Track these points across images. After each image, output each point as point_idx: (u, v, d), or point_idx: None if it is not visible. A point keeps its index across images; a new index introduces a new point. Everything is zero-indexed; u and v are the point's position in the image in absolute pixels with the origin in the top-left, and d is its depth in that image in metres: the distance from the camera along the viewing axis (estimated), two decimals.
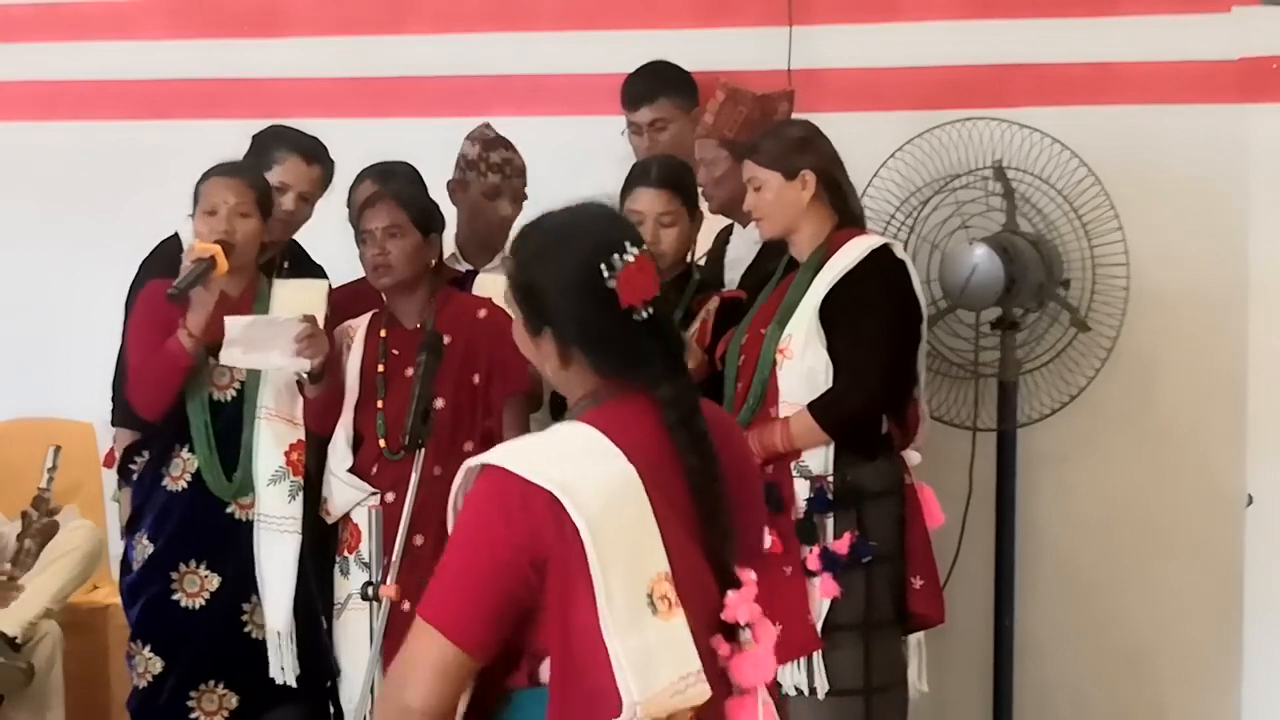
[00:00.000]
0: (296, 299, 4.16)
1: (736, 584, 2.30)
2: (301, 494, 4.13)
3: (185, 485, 4.12)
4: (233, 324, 4.03)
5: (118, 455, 4.32)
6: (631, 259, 2.27)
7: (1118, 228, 4.54)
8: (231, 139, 4.57)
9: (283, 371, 4.10)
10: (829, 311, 3.82)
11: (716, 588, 2.29)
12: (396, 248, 4.09)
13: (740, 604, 2.29)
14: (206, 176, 4.12)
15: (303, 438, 4.15)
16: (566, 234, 2.33)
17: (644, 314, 2.27)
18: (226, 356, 4.05)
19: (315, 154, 4.42)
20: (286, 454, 4.13)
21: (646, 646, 2.19)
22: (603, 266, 2.26)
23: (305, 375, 4.09)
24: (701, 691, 2.22)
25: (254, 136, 4.48)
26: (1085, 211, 4.56)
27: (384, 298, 4.23)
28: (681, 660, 2.21)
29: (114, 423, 4.38)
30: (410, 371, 4.08)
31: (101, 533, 5.01)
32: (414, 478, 3.71)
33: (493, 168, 4.53)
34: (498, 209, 4.53)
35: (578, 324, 2.30)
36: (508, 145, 4.57)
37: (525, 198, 4.55)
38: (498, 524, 2.20)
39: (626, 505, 2.21)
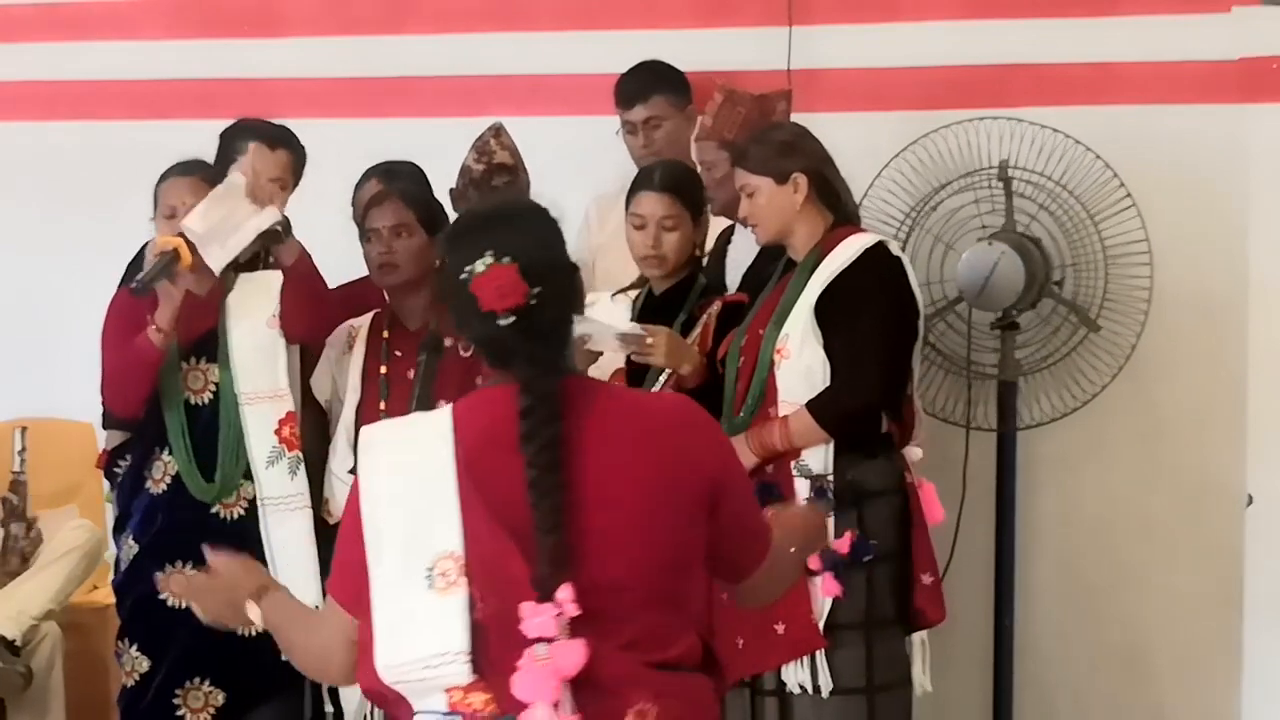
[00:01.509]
0: (258, 289, 4.15)
1: (548, 596, 2.27)
2: (302, 468, 4.12)
3: (166, 487, 4.12)
4: (191, 224, 3.99)
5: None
6: (483, 269, 2.36)
7: (1140, 226, 4.54)
8: None
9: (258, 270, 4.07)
10: (824, 310, 3.82)
11: (528, 588, 2.28)
12: (403, 246, 4.09)
13: (532, 618, 2.27)
14: (164, 178, 4.12)
15: (291, 409, 4.12)
16: (456, 234, 2.48)
17: (506, 319, 2.35)
18: (215, 261, 4.00)
19: (280, 140, 4.41)
20: (277, 431, 4.12)
21: (409, 616, 2.29)
22: (462, 274, 2.38)
23: (280, 227, 4.03)
24: (457, 672, 2.27)
25: (220, 134, 4.48)
26: (1099, 210, 4.55)
27: (386, 298, 4.23)
28: (443, 639, 2.28)
29: (105, 425, 4.39)
30: (413, 373, 4.09)
31: (101, 532, 5.01)
32: None
33: (495, 191, 4.47)
34: None
35: (457, 318, 2.46)
36: (512, 168, 4.50)
37: None
38: (354, 488, 2.41)
39: (425, 482, 2.32)
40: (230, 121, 4.51)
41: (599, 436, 2.36)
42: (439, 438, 2.34)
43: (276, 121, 4.45)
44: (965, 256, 4.50)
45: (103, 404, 4.37)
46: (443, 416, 2.38)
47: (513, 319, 2.35)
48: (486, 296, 2.35)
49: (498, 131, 4.56)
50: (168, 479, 4.12)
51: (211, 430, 4.11)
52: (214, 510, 4.12)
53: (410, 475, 2.34)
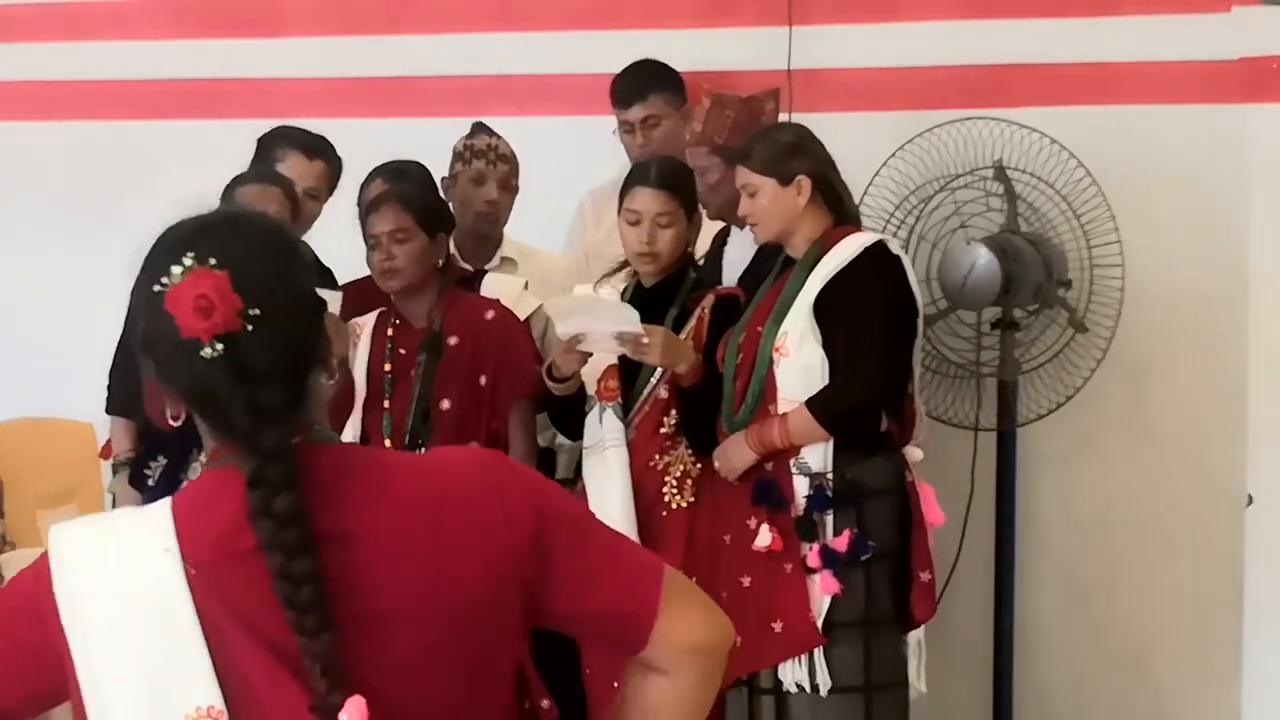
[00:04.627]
0: None
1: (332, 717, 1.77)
2: None
3: None
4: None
5: (115, 446, 4.31)
6: (180, 274, 1.77)
7: (1114, 229, 4.53)
8: (231, 139, 4.58)
9: None
10: (824, 308, 3.82)
11: (314, 716, 1.77)
12: (402, 252, 4.08)
13: None
14: (240, 183, 4.07)
15: None
16: (153, 244, 1.86)
17: (211, 350, 1.77)
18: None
19: (317, 150, 4.43)
20: None
21: None
22: (156, 286, 1.79)
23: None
24: None
25: (258, 139, 4.49)
26: (1083, 212, 4.55)
27: (391, 297, 4.23)
28: None
29: (108, 411, 4.37)
30: (415, 372, 4.09)
31: None
32: None
33: (477, 154, 4.53)
34: (483, 194, 4.53)
35: (154, 361, 1.83)
36: (492, 133, 4.57)
37: (515, 188, 4.56)
38: (24, 597, 1.84)
39: (155, 622, 1.78)
40: (232, 120, 4.53)
41: (368, 518, 1.82)
42: (161, 553, 1.79)
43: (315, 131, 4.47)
44: (944, 256, 4.51)
45: (107, 389, 4.36)
46: (160, 522, 1.82)
47: (220, 349, 1.76)
48: (184, 314, 1.76)
49: (478, 123, 4.62)
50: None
51: None
52: None
53: (135, 614, 1.78)
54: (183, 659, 1.78)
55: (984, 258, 4.40)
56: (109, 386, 4.35)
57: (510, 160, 4.56)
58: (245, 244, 1.83)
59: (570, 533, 1.90)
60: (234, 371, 1.77)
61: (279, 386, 1.80)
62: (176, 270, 1.77)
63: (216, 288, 1.76)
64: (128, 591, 1.79)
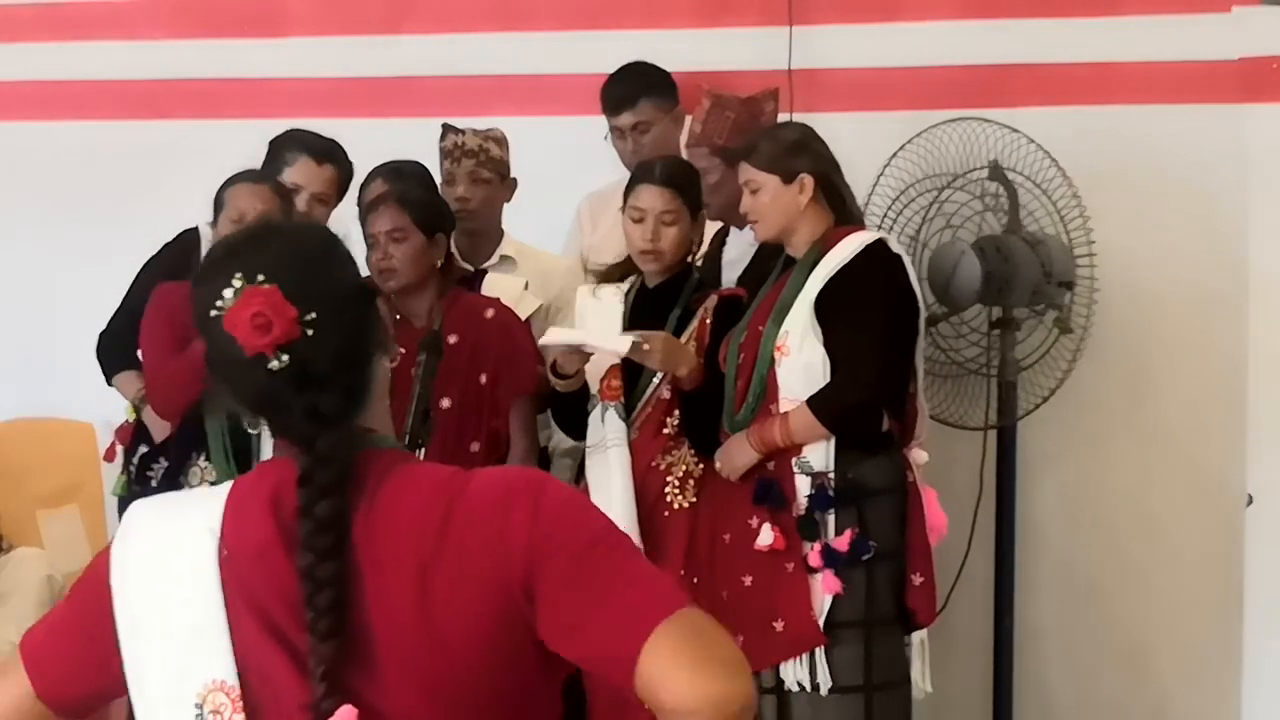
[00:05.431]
0: None
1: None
2: None
3: None
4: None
5: (127, 392, 4.29)
6: (233, 296, 1.85)
7: (1088, 228, 4.52)
8: (231, 139, 4.58)
9: None
10: (824, 307, 3.83)
11: (308, 715, 1.82)
12: (399, 252, 4.08)
13: None
14: (231, 182, 4.09)
15: None
16: (201, 268, 1.94)
17: (278, 361, 1.84)
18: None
19: (327, 155, 4.41)
20: None
21: None
22: (212, 310, 1.87)
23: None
24: None
25: (270, 142, 4.48)
26: (1066, 211, 4.55)
27: (391, 296, 4.24)
28: None
29: (110, 375, 4.35)
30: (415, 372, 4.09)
31: (81, 530, 5.00)
32: None
33: (444, 155, 4.56)
34: (451, 194, 4.53)
35: (224, 380, 1.91)
36: (458, 131, 4.57)
37: (491, 179, 4.55)
38: (102, 567, 1.95)
39: (184, 595, 1.87)
40: (232, 120, 4.52)
41: (386, 531, 1.85)
42: (204, 532, 1.88)
43: (327, 137, 4.47)
44: (932, 256, 4.51)
45: (100, 359, 4.35)
46: (215, 502, 1.91)
47: (286, 359, 1.84)
48: (244, 334, 1.83)
49: (448, 129, 4.62)
50: (205, 486, 4.09)
51: (250, 441, 4.09)
52: None
53: (169, 584, 1.88)
54: (206, 632, 1.86)
55: (965, 257, 4.40)
56: (101, 360, 4.33)
57: (477, 154, 4.54)
58: (288, 252, 1.90)
59: (567, 567, 1.81)
60: (297, 378, 1.85)
61: (339, 389, 1.87)
62: (228, 293, 1.85)
63: (269, 302, 1.83)
64: (168, 563, 1.88)
